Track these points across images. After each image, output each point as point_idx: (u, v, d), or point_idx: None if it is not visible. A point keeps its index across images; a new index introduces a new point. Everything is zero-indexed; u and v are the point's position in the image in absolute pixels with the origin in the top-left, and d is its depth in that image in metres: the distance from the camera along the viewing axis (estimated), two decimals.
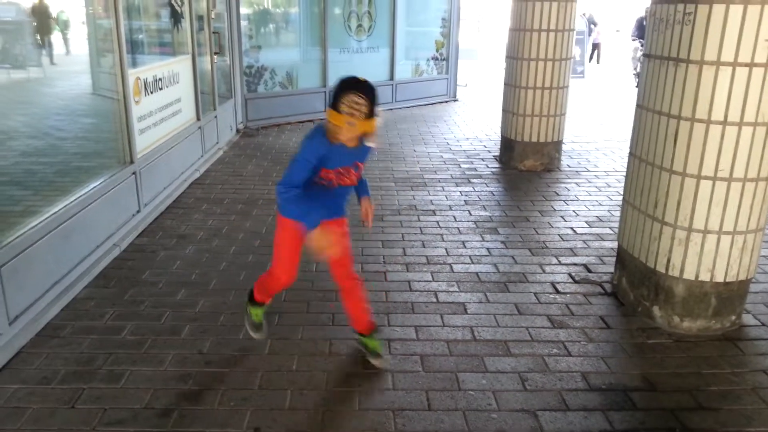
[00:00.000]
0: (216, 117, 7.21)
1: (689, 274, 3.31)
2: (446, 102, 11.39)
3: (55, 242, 3.58)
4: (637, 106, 3.58)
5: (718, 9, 2.95)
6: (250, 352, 3.14)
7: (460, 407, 2.73)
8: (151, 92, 5.24)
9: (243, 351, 3.15)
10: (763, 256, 4.29)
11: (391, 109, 10.44)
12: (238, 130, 8.41)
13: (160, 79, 5.44)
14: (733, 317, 3.40)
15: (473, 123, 9.39)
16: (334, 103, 2.53)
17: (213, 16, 7.23)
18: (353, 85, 2.54)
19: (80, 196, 3.95)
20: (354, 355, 3.11)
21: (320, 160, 2.63)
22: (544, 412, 2.70)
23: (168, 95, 5.65)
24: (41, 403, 2.72)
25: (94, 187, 4.16)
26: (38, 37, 4.68)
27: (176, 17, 6.18)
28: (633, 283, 3.62)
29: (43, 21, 4.69)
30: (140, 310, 3.54)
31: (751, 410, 2.74)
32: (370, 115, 2.55)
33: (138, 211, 4.81)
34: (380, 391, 2.83)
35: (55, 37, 4.84)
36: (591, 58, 18.27)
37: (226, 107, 7.87)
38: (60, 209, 3.70)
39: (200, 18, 6.86)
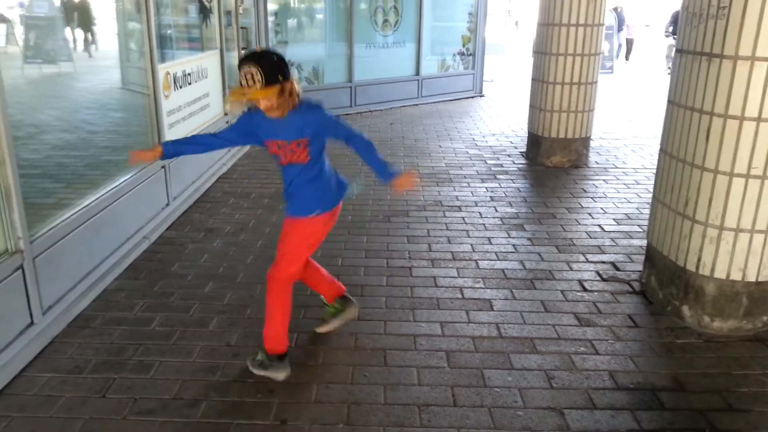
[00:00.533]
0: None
1: (720, 273, 3.25)
2: (472, 97, 11.33)
3: (87, 234, 3.65)
4: (669, 102, 3.53)
5: (754, 2, 2.88)
6: None
7: (486, 404, 2.72)
8: (180, 87, 5.30)
9: None
10: None
11: (416, 105, 10.42)
12: None
13: (189, 74, 5.51)
14: (765, 318, 3.34)
15: (499, 119, 9.33)
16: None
17: (241, 11, 7.29)
18: (245, 57, 2.57)
19: (111, 189, 4.02)
20: (379, 350, 3.12)
21: (254, 132, 2.76)
22: (571, 411, 2.68)
23: (196, 90, 5.71)
24: (73, 392, 2.78)
25: (125, 180, 4.23)
26: (70, 33, 4.76)
27: (205, 12, 6.24)
28: (662, 282, 3.57)
29: (74, 16, 4.77)
30: (169, 302, 3.59)
31: None
32: (270, 83, 2.53)
33: (167, 205, 4.88)
34: (405, 386, 2.84)
35: (87, 32, 4.91)
36: (628, 54, 17.82)
37: None
38: (91, 202, 3.77)
39: (228, 13, 6.92)
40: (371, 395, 2.77)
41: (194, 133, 5.56)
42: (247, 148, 7.24)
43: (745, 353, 3.14)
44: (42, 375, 2.89)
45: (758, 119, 2.99)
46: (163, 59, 5.10)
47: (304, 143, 2.70)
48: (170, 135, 4.98)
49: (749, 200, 3.11)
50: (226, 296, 3.67)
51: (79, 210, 3.63)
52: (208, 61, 6.08)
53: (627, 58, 17.90)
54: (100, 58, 5.68)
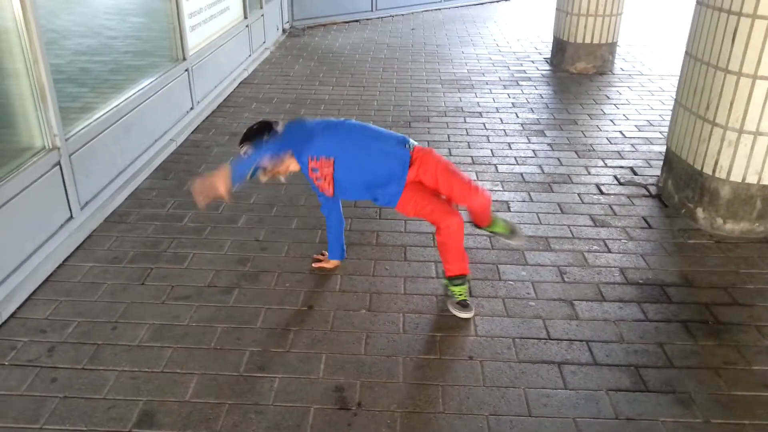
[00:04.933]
0: (263, 16, 7.17)
1: (736, 177, 3.30)
2: (497, 1, 10.98)
3: (118, 134, 3.77)
4: (697, 2, 3.46)
5: None
6: (301, 241, 3.33)
7: (500, 295, 2.88)
8: None
9: (295, 240, 3.34)
10: None
11: (439, 9, 10.15)
12: (284, 30, 8.36)
13: None
14: None
15: (525, 24, 9.08)
16: None
17: None
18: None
19: (137, 92, 4.09)
20: (400, 246, 3.26)
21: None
22: (581, 302, 2.83)
23: None
24: (114, 279, 2.98)
25: (150, 82, 4.30)
26: None
27: None
28: (678, 186, 3.63)
29: None
30: None
31: None
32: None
33: (191, 108, 4.96)
34: (424, 278, 3.00)
35: None
36: None
37: (272, 6, 7.79)
38: (120, 103, 3.86)
39: None
40: (392, 286, 2.94)
41: (216, 35, 5.54)
42: (267, 53, 7.21)
43: (754, 254, 3.24)
44: (84, 264, 3.10)
45: None
46: None
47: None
48: (192, 38, 4.98)
49: None
50: (252, 196, 3.81)
51: (108, 111, 3.73)
52: None
53: None
54: None
